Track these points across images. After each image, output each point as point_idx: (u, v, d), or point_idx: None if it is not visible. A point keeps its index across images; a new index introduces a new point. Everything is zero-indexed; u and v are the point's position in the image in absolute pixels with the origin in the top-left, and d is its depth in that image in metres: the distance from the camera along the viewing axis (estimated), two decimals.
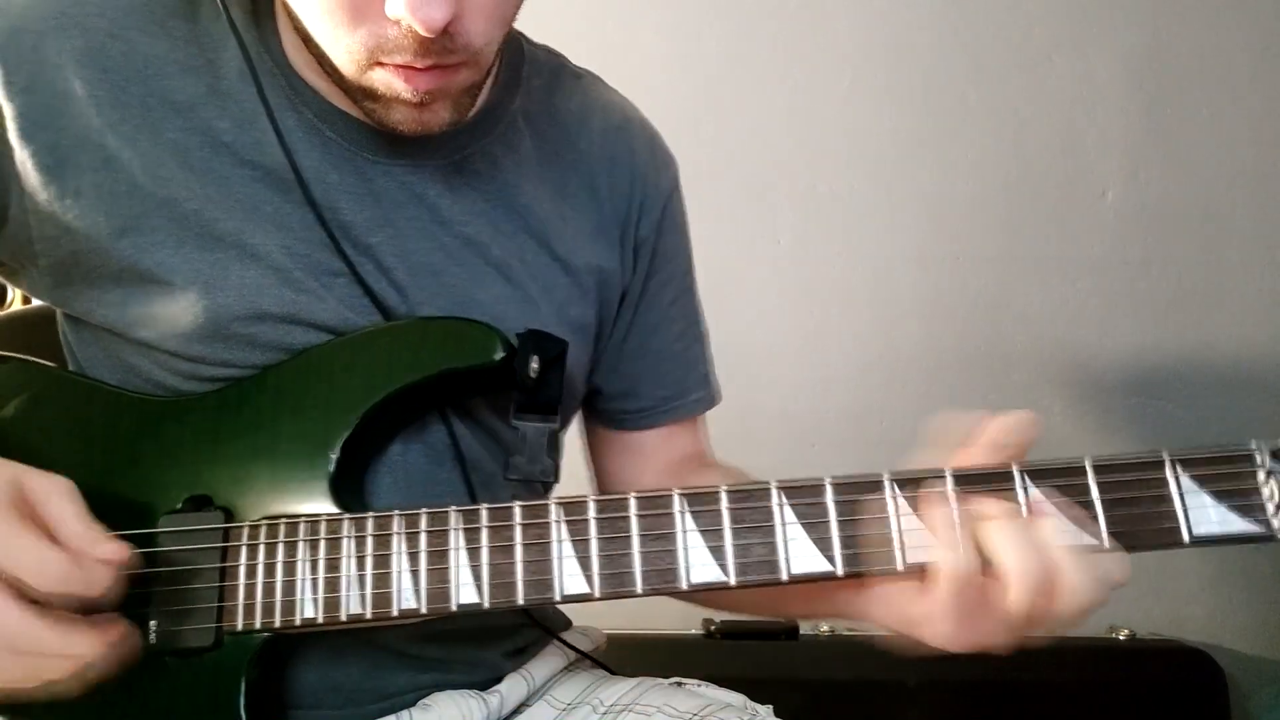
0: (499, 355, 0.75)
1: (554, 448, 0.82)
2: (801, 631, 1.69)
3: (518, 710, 0.86)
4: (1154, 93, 1.90)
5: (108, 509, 0.74)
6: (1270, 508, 0.60)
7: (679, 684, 0.86)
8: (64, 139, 0.75)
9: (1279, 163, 1.90)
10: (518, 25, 0.78)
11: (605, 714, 0.84)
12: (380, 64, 0.70)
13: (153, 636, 0.71)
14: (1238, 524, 0.61)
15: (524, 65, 0.90)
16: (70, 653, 0.62)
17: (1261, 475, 0.61)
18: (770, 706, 0.81)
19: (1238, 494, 0.61)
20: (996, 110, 1.89)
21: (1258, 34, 1.90)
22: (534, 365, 0.77)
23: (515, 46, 0.91)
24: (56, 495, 0.64)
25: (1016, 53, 1.89)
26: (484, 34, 0.70)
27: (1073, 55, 1.89)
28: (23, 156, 0.74)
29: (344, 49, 0.69)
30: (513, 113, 0.88)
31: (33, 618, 0.60)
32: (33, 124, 0.74)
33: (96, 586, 0.63)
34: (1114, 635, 1.78)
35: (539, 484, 0.86)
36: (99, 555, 0.63)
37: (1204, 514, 0.61)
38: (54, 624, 0.61)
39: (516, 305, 0.83)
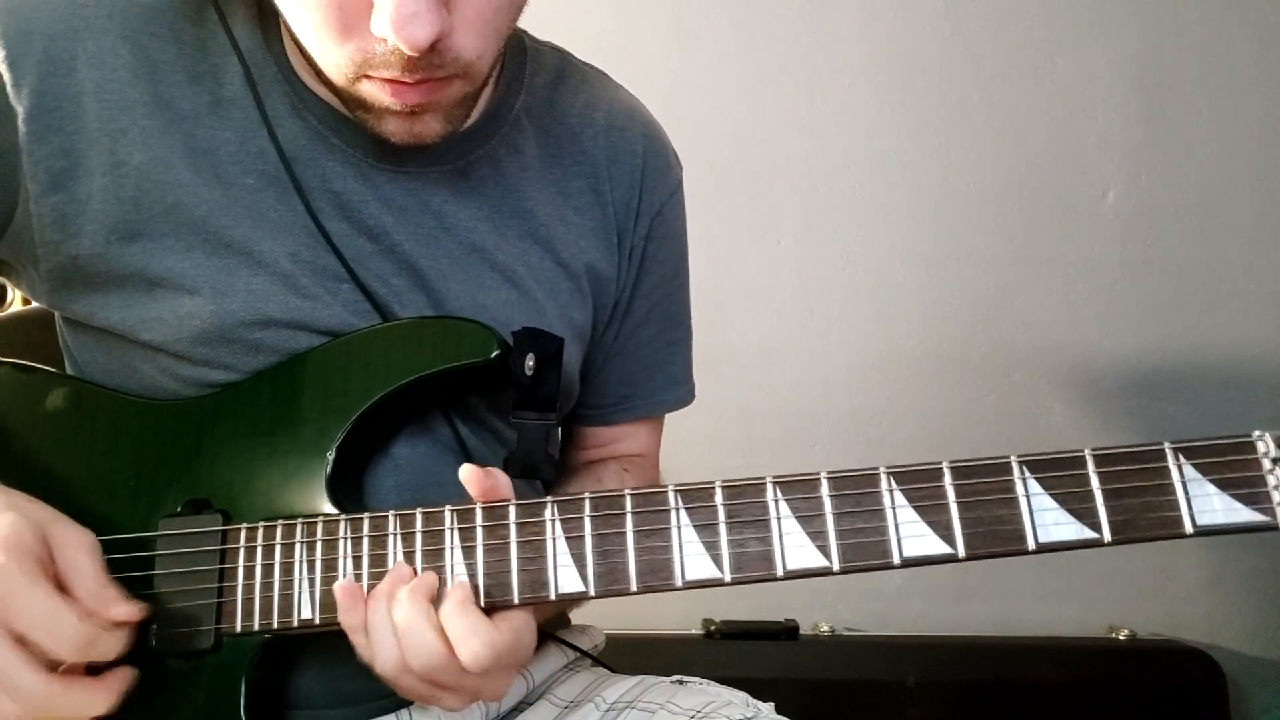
0: (494, 353, 0.75)
1: (553, 444, 0.82)
2: (801, 631, 1.69)
3: (517, 709, 0.86)
4: (1154, 93, 1.90)
5: (106, 513, 0.74)
6: (1277, 496, 0.60)
7: (681, 682, 0.86)
8: (75, 142, 0.74)
9: (1279, 163, 1.90)
10: (519, 24, 0.78)
11: (608, 712, 0.84)
12: (368, 76, 0.69)
13: (153, 640, 0.71)
14: (1242, 513, 0.60)
15: (527, 63, 0.90)
16: (80, 714, 0.63)
17: (1267, 464, 0.60)
18: (772, 705, 0.81)
19: (1242, 482, 0.60)
20: (997, 111, 1.89)
21: (1258, 34, 1.90)
22: (530, 363, 0.77)
23: (518, 45, 0.91)
24: (78, 548, 0.65)
25: (1017, 53, 1.89)
26: (474, 48, 0.69)
27: (1073, 56, 1.89)
28: (33, 160, 0.74)
29: (332, 61, 0.69)
30: (516, 112, 0.87)
31: (48, 682, 0.61)
32: (44, 126, 0.74)
33: (110, 653, 0.64)
34: (1114, 635, 1.78)
35: (540, 480, 0.86)
36: (113, 617, 0.64)
37: (1207, 503, 0.60)
38: (67, 687, 0.62)
39: (523, 310, 0.83)
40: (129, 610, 0.65)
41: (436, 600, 0.66)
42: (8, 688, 0.60)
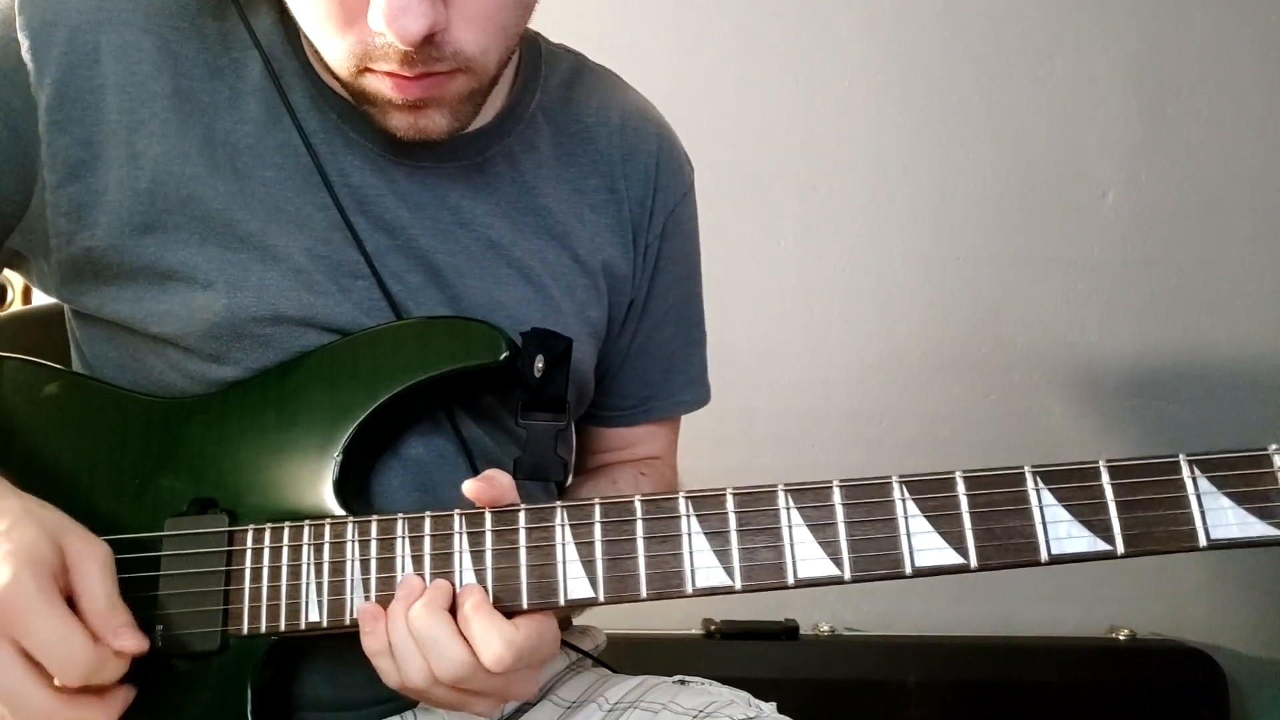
0: (503, 354, 0.75)
1: (563, 445, 0.82)
2: (802, 631, 1.69)
3: (520, 710, 0.86)
4: (1154, 93, 1.90)
5: (112, 511, 0.74)
6: None
7: (683, 682, 0.86)
8: (95, 134, 0.75)
9: (1279, 163, 1.90)
10: (530, 26, 0.78)
11: (610, 711, 0.84)
12: (369, 70, 0.70)
13: (158, 641, 0.70)
14: (1258, 527, 0.59)
15: (542, 64, 0.91)
16: None
17: None
18: (774, 704, 0.81)
19: (1257, 496, 0.60)
20: (997, 111, 1.89)
21: (1258, 34, 1.90)
22: (539, 364, 0.77)
23: (534, 46, 0.92)
24: (92, 562, 0.65)
25: (1017, 53, 1.89)
26: (476, 43, 0.69)
27: (1073, 56, 1.89)
28: (52, 150, 0.75)
29: (335, 54, 0.70)
30: (532, 111, 0.88)
31: (53, 700, 0.62)
32: (65, 117, 0.74)
33: (113, 678, 0.64)
34: (1114, 635, 1.78)
35: (551, 482, 0.86)
36: (118, 647, 0.64)
37: (1222, 516, 0.60)
38: (71, 704, 0.63)
39: (539, 307, 0.84)
40: (134, 643, 0.65)
41: (452, 607, 0.66)
42: (13, 703, 0.61)
